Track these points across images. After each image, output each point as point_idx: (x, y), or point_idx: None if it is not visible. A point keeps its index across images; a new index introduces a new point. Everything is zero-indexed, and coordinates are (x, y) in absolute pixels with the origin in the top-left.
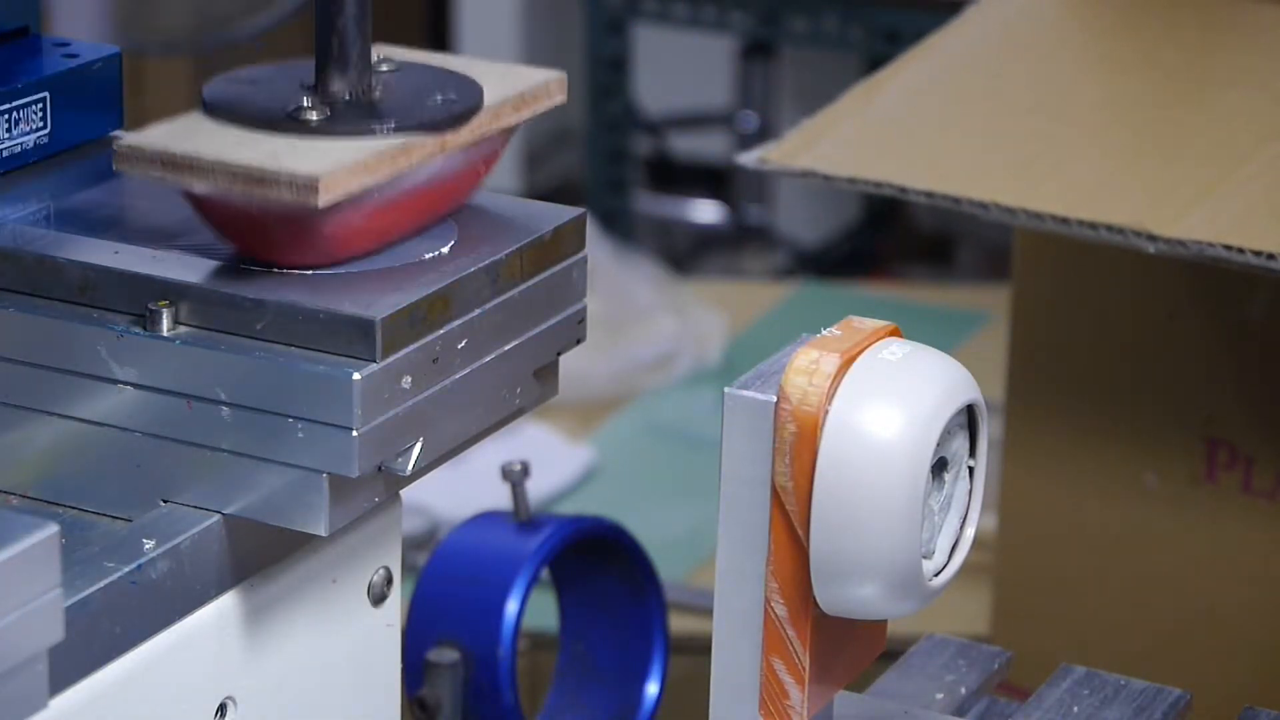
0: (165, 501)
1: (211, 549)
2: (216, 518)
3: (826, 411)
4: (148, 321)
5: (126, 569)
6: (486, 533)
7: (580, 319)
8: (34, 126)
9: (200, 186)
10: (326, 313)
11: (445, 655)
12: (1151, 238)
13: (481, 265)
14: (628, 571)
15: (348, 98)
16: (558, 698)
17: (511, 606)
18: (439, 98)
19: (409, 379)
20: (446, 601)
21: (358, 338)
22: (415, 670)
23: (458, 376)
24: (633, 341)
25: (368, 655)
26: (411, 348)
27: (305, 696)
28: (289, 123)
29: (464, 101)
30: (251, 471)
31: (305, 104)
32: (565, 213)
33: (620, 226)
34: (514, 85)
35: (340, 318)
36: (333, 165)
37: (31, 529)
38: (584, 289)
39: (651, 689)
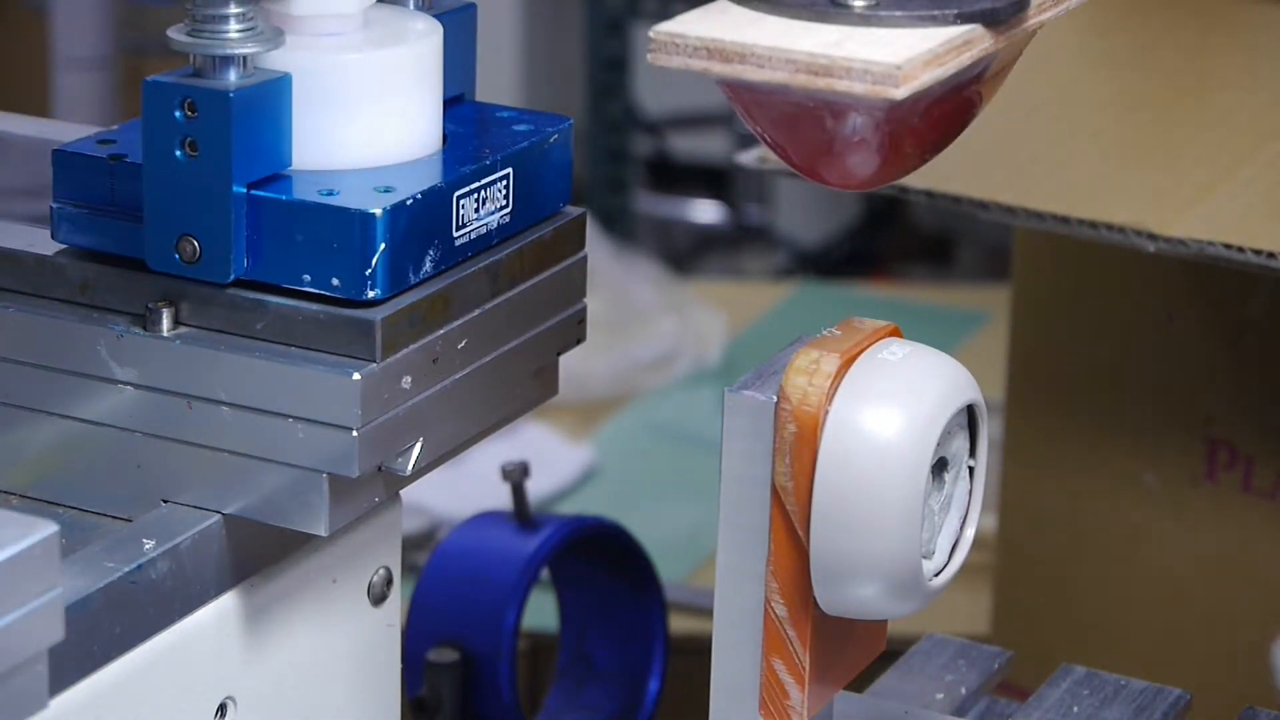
0: (165, 501)
1: (211, 549)
2: (216, 518)
3: (826, 411)
4: (148, 321)
5: (126, 569)
6: (486, 533)
7: (580, 319)
8: (499, 206)
9: (755, 78)
10: (326, 313)
11: (445, 655)
12: (1152, 237)
13: (481, 265)
14: (628, 571)
15: None
16: (558, 698)
17: (511, 606)
18: None
19: (409, 379)
20: (446, 601)
21: (358, 338)
22: (415, 670)
23: (458, 376)
24: (633, 341)
25: (368, 655)
26: (411, 348)
27: (305, 697)
28: (835, 10)
29: None
30: (251, 471)
31: None
32: (565, 213)
33: (620, 226)
34: None
35: (340, 318)
36: (907, 54)
37: (31, 529)
38: (584, 289)
39: (652, 689)
